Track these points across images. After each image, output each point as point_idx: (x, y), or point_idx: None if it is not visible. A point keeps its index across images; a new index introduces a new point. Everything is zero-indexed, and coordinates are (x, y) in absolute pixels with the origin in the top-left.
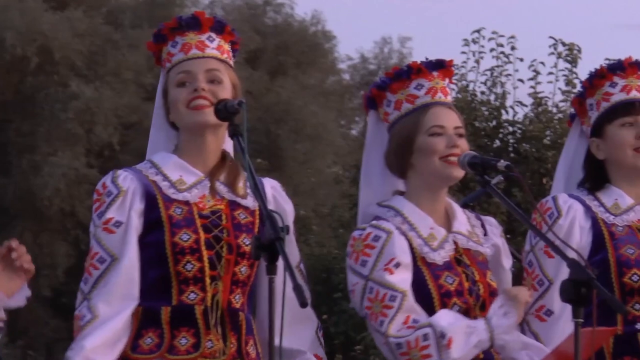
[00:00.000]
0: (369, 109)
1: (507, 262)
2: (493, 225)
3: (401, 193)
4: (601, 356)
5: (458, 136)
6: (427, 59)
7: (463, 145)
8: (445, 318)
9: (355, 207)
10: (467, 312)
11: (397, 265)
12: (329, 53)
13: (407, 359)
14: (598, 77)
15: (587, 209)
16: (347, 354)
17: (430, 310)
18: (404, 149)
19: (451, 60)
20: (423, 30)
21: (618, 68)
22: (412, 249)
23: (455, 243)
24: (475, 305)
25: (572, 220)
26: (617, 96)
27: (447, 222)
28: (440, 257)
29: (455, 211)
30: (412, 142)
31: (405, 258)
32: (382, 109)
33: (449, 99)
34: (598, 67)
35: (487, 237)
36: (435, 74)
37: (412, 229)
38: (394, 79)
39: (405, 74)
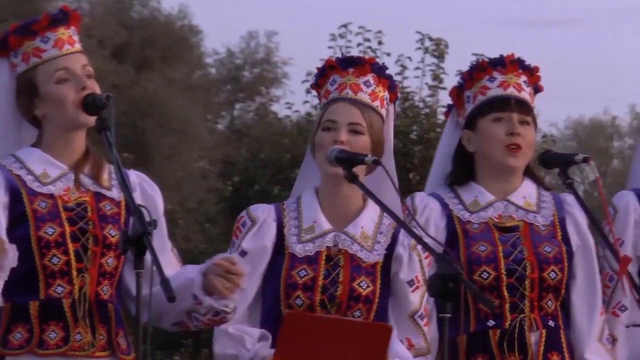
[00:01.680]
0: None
1: (406, 274)
2: (407, 236)
3: None
4: (455, 355)
5: (353, 132)
6: (342, 54)
7: (353, 141)
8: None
9: (222, 202)
10: (310, 308)
11: (243, 253)
12: (196, 47)
13: None
14: (478, 70)
15: (444, 207)
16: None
17: (276, 299)
18: (312, 144)
19: (372, 58)
20: (290, 24)
21: (499, 63)
22: (283, 237)
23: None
24: (326, 304)
25: (426, 219)
26: (494, 91)
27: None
28: (304, 250)
29: (363, 213)
30: (314, 137)
31: (255, 246)
32: None
33: (362, 96)
34: (470, 61)
35: (396, 246)
36: (350, 70)
37: (297, 218)
38: (319, 75)
39: (323, 70)
